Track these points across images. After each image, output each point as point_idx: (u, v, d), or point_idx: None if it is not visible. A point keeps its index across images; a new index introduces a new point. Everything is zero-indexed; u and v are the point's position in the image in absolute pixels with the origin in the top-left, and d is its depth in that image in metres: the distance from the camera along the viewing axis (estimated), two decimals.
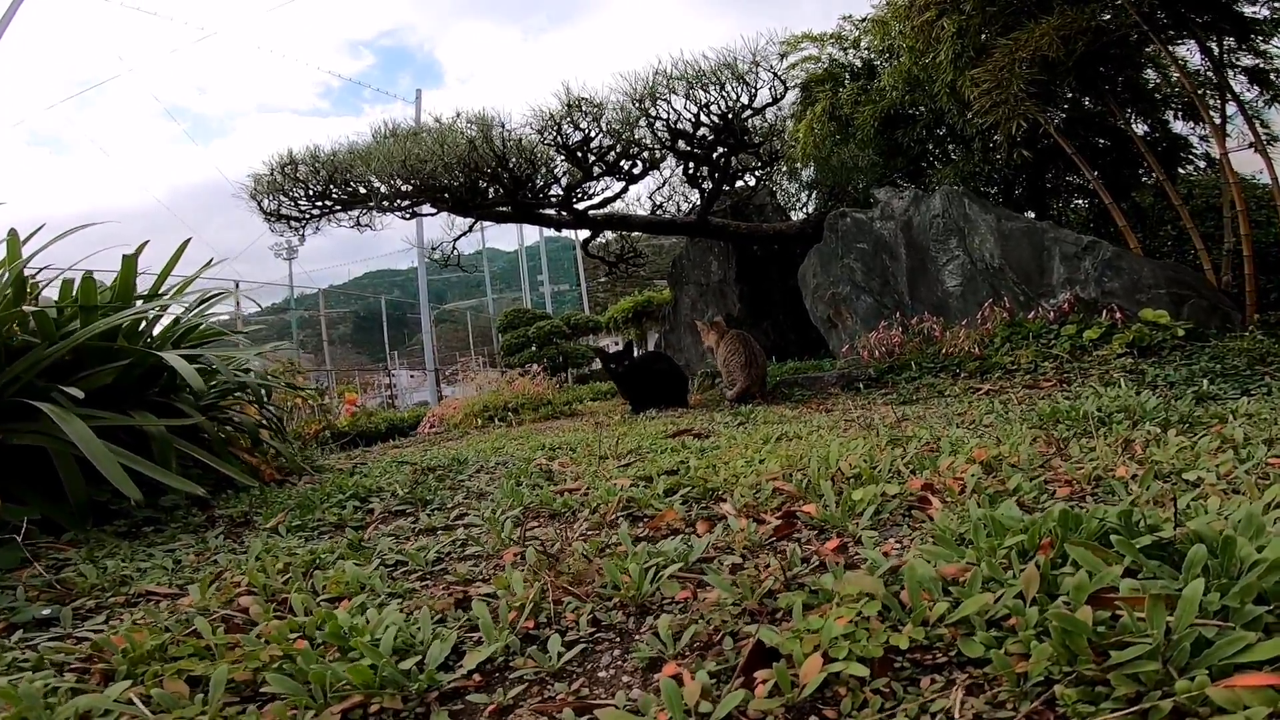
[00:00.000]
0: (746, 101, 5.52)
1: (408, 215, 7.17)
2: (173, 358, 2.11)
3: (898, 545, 1.17)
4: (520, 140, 5.83)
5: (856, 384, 4.14)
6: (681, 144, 5.62)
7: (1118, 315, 4.01)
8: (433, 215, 7.12)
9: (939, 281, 5.07)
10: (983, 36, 5.31)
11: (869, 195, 6.75)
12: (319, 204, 7.39)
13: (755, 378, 4.04)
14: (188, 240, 2.79)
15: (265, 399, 2.89)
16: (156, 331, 2.69)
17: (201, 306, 2.95)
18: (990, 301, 4.49)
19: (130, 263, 2.49)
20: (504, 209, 7.32)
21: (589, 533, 1.42)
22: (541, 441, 2.88)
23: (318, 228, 7.88)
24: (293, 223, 7.68)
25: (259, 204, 7.38)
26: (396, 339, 26.75)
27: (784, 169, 8.19)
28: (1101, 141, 6.76)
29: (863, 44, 8.28)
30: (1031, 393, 3.24)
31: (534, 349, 17.76)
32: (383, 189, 6.52)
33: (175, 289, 3.04)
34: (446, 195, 6.16)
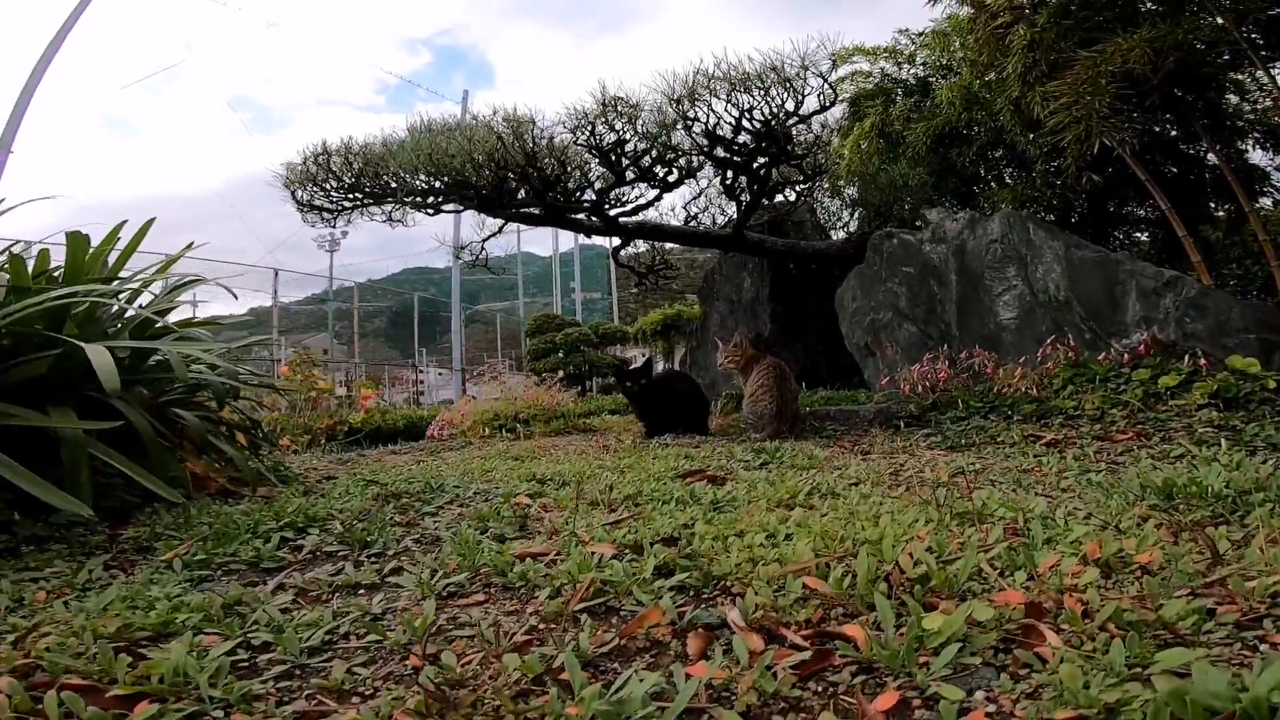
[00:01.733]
0: (792, 108, 5.08)
1: (432, 211, 6.88)
2: (94, 350, 1.76)
3: (993, 710, 0.74)
4: (552, 139, 5.48)
5: (896, 421, 3.67)
6: (720, 150, 5.20)
7: (1202, 361, 3.48)
8: (459, 212, 6.81)
9: (992, 313, 4.56)
10: (1057, 50, 4.82)
11: (917, 216, 6.27)
12: (350, 196, 7.16)
13: (788, 416, 3.58)
14: (150, 220, 2.47)
15: (229, 397, 2.54)
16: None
17: (171, 294, 2.63)
18: (1053, 338, 3.98)
19: (77, 242, 2.16)
20: (534, 211, 6.99)
21: (537, 630, 1.01)
22: (533, 470, 2.47)
23: (350, 220, 7.65)
24: (325, 214, 7.45)
25: (293, 194, 7.17)
26: (428, 336, 26.76)
27: (826, 186, 7.74)
28: (1171, 170, 6.20)
29: (919, 59, 7.83)
30: (1105, 446, 2.75)
31: (560, 355, 17.46)
32: (409, 183, 6.23)
33: (148, 273, 2.73)
34: (472, 193, 5.83)
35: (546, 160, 5.53)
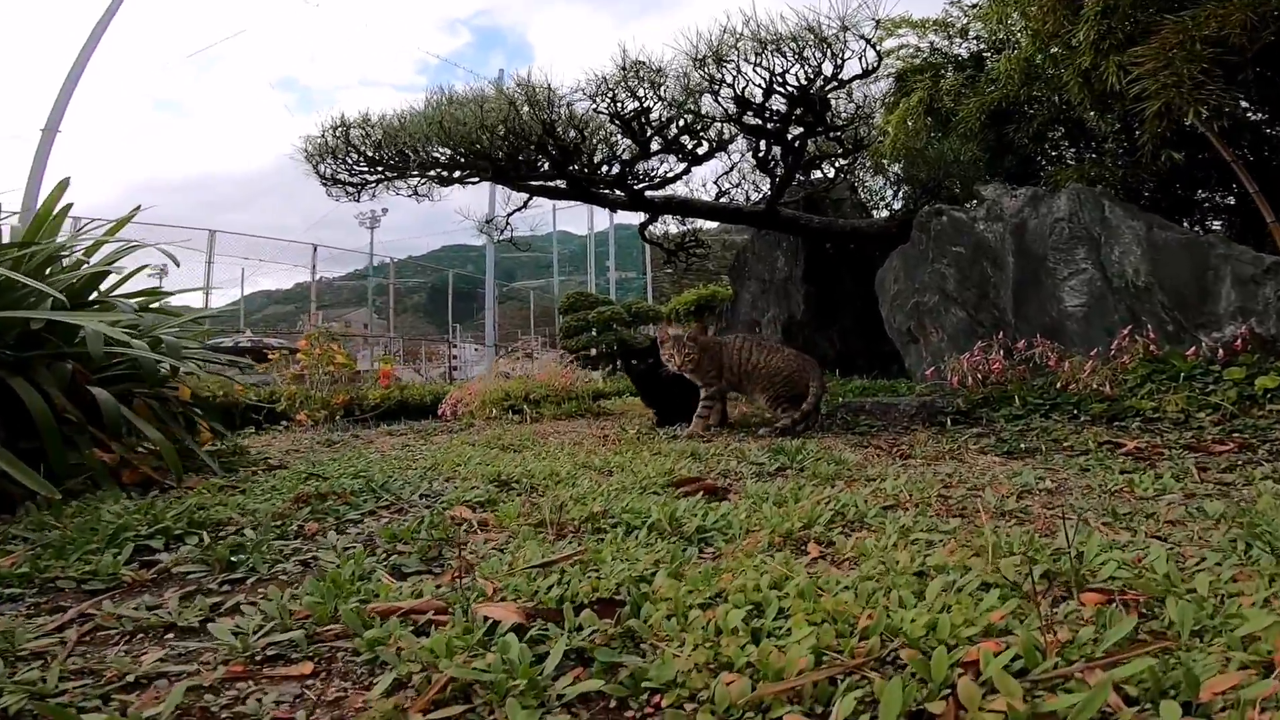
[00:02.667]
0: (830, 73, 4.52)
1: (447, 184, 6.51)
2: None
3: None
4: (570, 107, 5.03)
5: (941, 418, 3.15)
6: (750, 117, 4.67)
7: None
8: (474, 183, 6.42)
9: (1055, 299, 3.98)
10: (1134, 17, 4.18)
11: (968, 195, 5.64)
12: (372, 170, 6.84)
13: (817, 396, 3.10)
14: (66, 180, 2.13)
15: (165, 374, 2.19)
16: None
17: (110, 261, 2.28)
18: (1129, 329, 3.40)
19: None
20: (557, 184, 6.57)
21: None
22: (503, 468, 2.05)
23: (374, 194, 7.36)
24: (348, 188, 7.16)
25: (314, 167, 6.88)
26: (465, 312, 26.71)
27: (867, 163, 7.13)
28: (1254, 153, 5.46)
29: (971, 32, 7.13)
30: (1203, 460, 2.21)
31: (593, 333, 17.11)
32: (424, 155, 5.86)
33: (95, 240, 2.40)
34: (487, 164, 5.42)
35: (565, 129, 5.08)
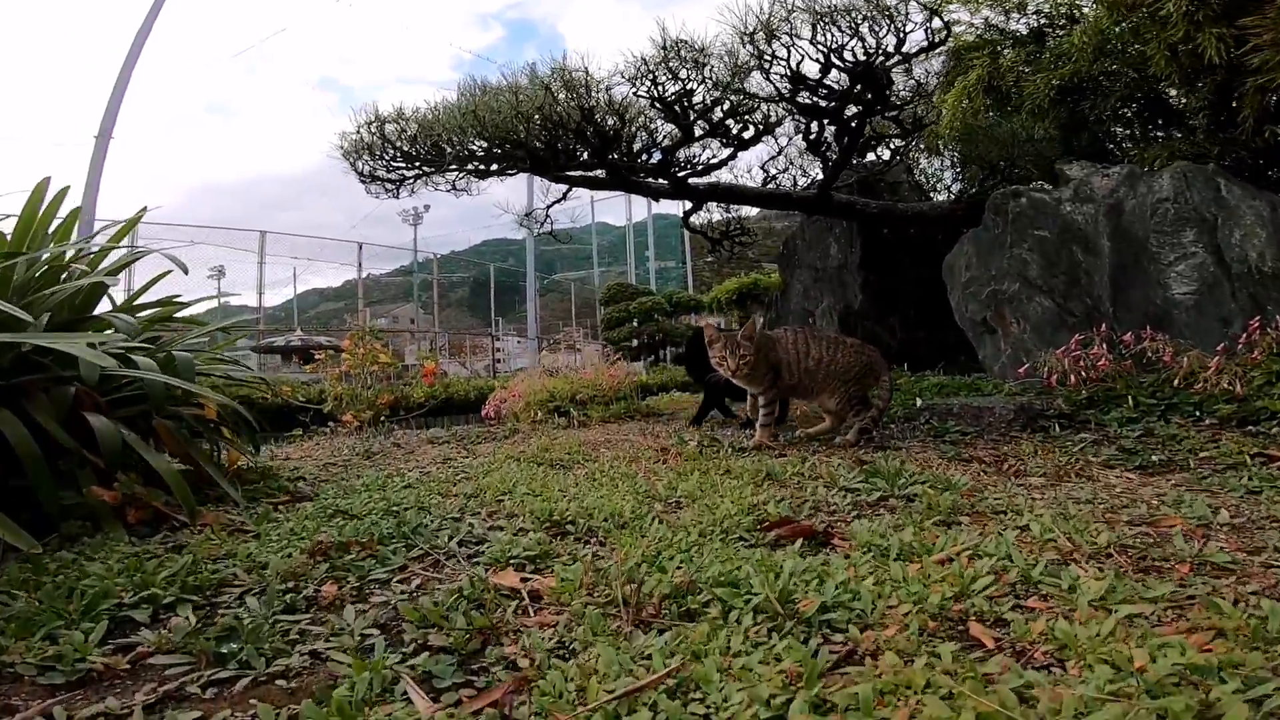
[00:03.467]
0: (893, 46, 4.08)
1: (484, 177, 6.25)
2: None
3: None
4: (609, 91, 4.69)
5: (1043, 422, 2.75)
6: (805, 95, 4.26)
7: None
8: (510, 174, 6.14)
9: (1160, 285, 3.51)
10: None
11: (1039, 175, 5.14)
12: (411, 165, 6.63)
13: (883, 401, 2.73)
14: (46, 179, 1.89)
15: (179, 393, 1.95)
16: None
17: (111, 270, 2.05)
18: (1258, 319, 2.93)
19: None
20: (596, 174, 6.26)
21: None
22: (554, 504, 1.75)
23: (413, 190, 7.17)
24: (386, 185, 6.97)
25: (353, 165, 6.70)
26: (508, 305, 26.73)
27: (922, 146, 6.62)
28: None
29: (1031, 6, 6.54)
30: None
31: (634, 324, 16.83)
32: (460, 147, 5.60)
33: (102, 247, 2.17)
34: (524, 154, 5.13)
35: (604, 116, 4.75)
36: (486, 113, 5.08)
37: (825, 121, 4.72)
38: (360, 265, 16.48)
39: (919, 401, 3.18)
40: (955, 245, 4.73)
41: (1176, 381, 2.94)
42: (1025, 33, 6.48)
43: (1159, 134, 5.89)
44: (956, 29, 6.72)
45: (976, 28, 6.66)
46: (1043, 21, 6.49)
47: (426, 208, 25.60)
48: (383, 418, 5.89)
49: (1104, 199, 3.76)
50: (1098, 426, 2.72)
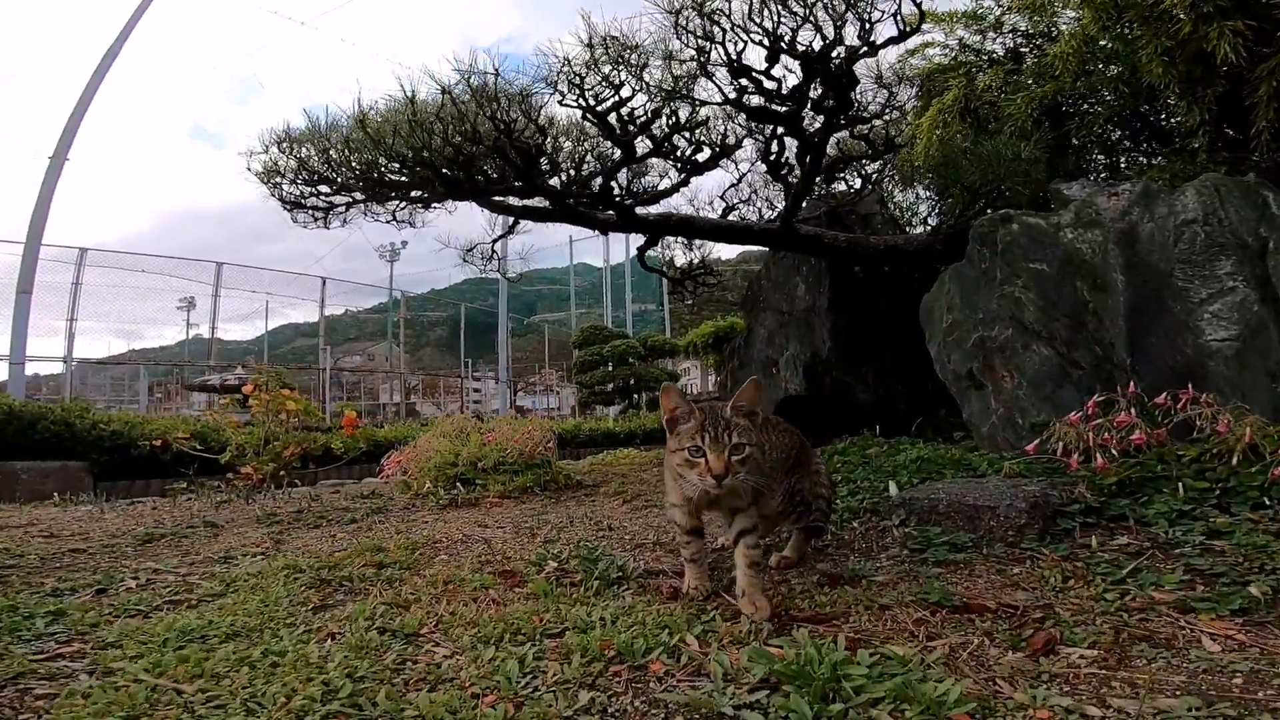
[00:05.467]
0: (857, 40, 3.37)
1: (417, 204, 5.48)
2: None
3: None
4: (526, 99, 3.94)
5: (1066, 522, 1.92)
6: (753, 96, 3.52)
7: None
8: (440, 205, 5.36)
9: (1189, 329, 2.73)
10: None
11: (1033, 199, 4.43)
12: (334, 190, 5.84)
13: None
14: None
15: None
16: None
17: None
18: None
19: None
20: (538, 203, 5.52)
21: None
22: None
23: (344, 220, 6.38)
24: (315, 213, 6.17)
25: (272, 191, 5.90)
26: (486, 346, 25.91)
27: (896, 175, 5.97)
28: None
29: (1007, 25, 6.01)
30: None
31: (608, 368, 16.04)
32: (365, 169, 4.83)
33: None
34: (431, 174, 4.36)
35: (522, 125, 4.01)
36: (381, 127, 4.33)
37: (784, 134, 3.99)
38: (323, 301, 15.67)
39: (893, 490, 2.34)
40: (935, 284, 3.97)
41: (1234, 458, 2.14)
42: (1002, 53, 5.98)
43: (1152, 159, 5.28)
44: (929, 51, 6.19)
45: (951, 49, 6.13)
46: (1019, 41, 5.98)
47: (404, 244, 24.96)
48: (284, 471, 4.95)
49: (1113, 223, 3.02)
50: (1139, 525, 1.90)
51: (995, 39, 6.06)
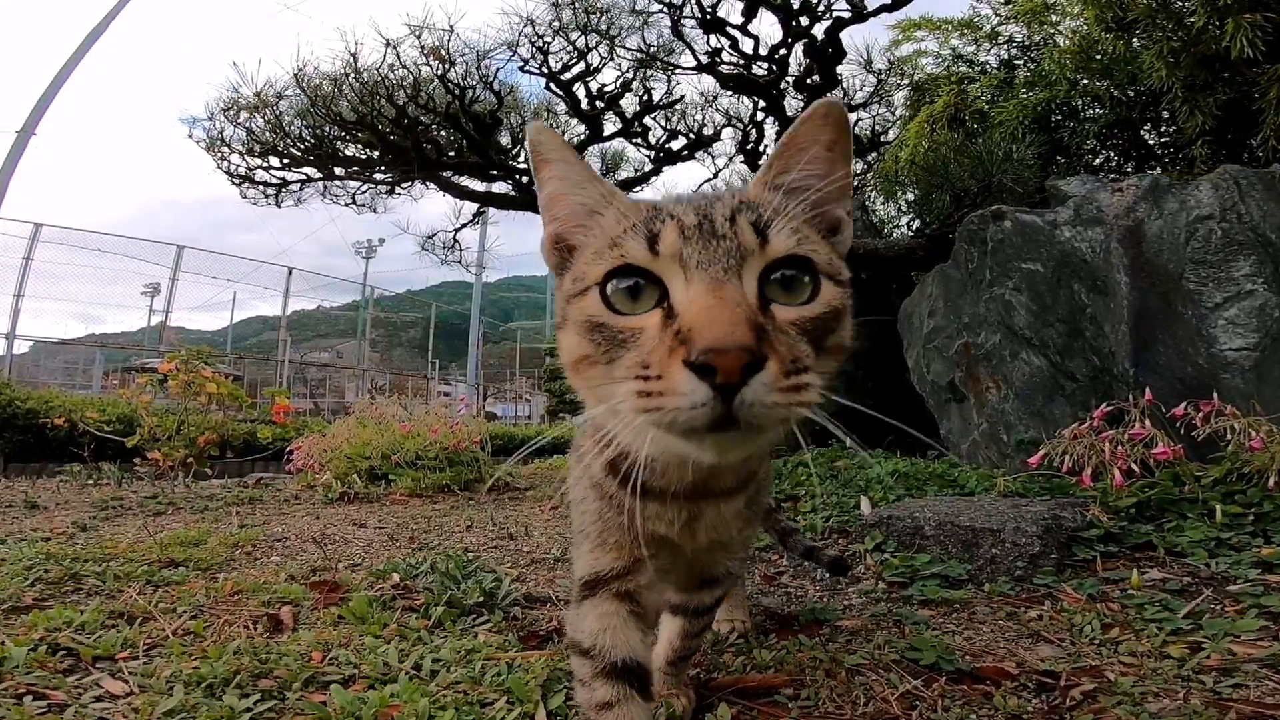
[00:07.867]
0: (848, 8, 3.03)
1: (325, 177, 5.01)
2: None
3: None
4: (482, 61, 3.53)
5: (1083, 550, 1.52)
6: (727, 56, 3.14)
7: None
8: (371, 179, 4.91)
9: (1201, 337, 2.38)
10: None
11: (1027, 198, 4.13)
12: (284, 165, 5.35)
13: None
14: None
15: None
16: None
17: None
18: None
19: None
20: (504, 190, 5.09)
21: None
22: None
23: (299, 199, 5.90)
24: (265, 189, 5.67)
25: (219, 164, 5.39)
26: (460, 349, 25.27)
27: (877, 182, 5.69)
28: None
29: (1002, 36, 5.80)
30: None
31: None
32: (312, 137, 4.37)
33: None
34: (376, 140, 3.91)
35: (475, 89, 3.59)
36: (333, 89, 3.89)
37: (764, 116, 3.61)
38: (287, 290, 15.01)
39: (865, 507, 1.92)
40: (915, 288, 3.62)
41: (1271, 479, 1.76)
42: (995, 64, 5.77)
43: (1149, 170, 5.04)
44: (921, 60, 5.94)
45: (944, 58, 5.89)
46: (1014, 53, 5.77)
47: (381, 241, 24.27)
48: (192, 458, 4.38)
49: (1117, 220, 2.67)
50: (1171, 555, 1.50)
51: (990, 50, 5.85)
